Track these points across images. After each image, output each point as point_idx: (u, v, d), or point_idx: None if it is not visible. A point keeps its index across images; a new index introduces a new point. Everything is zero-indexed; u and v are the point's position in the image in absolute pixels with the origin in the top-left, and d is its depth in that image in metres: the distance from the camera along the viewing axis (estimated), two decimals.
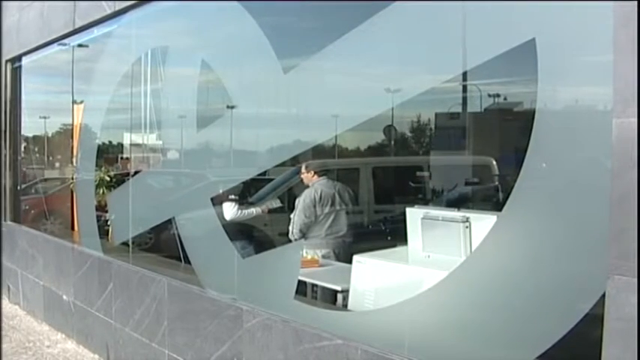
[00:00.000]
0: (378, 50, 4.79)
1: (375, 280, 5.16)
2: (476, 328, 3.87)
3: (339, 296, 5.85)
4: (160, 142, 7.75)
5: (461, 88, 8.72)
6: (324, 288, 6.11)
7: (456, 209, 5.06)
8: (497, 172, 8.91)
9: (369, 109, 4.98)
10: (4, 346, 8.08)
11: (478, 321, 3.85)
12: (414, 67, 4.69)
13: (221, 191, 6.88)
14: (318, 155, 7.56)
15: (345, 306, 5.51)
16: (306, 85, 5.26)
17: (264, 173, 7.76)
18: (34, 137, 12.12)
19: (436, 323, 4.14)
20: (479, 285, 3.89)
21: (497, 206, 6.97)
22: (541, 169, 3.50)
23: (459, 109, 9.50)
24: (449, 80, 4.87)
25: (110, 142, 9.73)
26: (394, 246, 5.89)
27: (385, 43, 4.68)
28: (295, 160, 7.66)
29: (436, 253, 4.88)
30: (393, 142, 10.81)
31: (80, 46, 9.07)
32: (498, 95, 9.27)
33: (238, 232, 7.08)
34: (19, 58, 10.52)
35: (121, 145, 9.46)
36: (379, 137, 10.90)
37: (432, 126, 10.62)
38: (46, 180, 12.39)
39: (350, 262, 5.52)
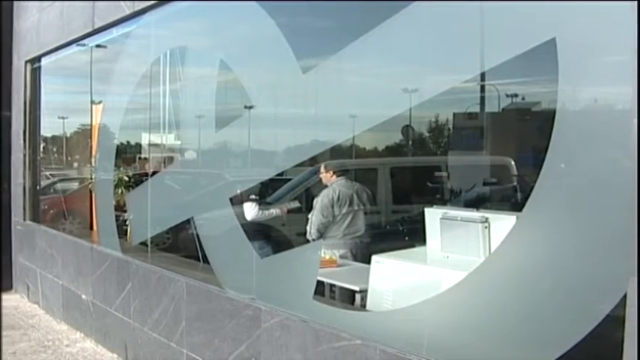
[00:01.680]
0: (397, 50, 4.77)
1: (394, 280, 5.15)
2: (495, 328, 3.85)
3: (357, 296, 5.85)
4: (179, 143, 7.76)
5: (479, 88, 8.70)
6: (341, 288, 6.11)
7: (475, 209, 5.04)
8: (515, 173, 8.88)
9: (388, 109, 4.97)
10: (23, 345, 8.15)
11: (497, 322, 3.83)
12: (433, 68, 4.66)
13: (239, 191, 6.89)
14: (336, 155, 7.57)
15: (363, 306, 5.50)
16: (324, 85, 5.26)
17: (281, 173, 7.76)
18: (53, 137, 12.17)
19: (455, 324, 4.12)
20: (498, 285, 3.87)
21: (516, 206, 6.96)
22: (562, 170, 3.48)
23: (477, 109, 9.48)
24: (467, 80, 4.86)
25: (129, 142, 9.77)
26: (412, 246, 5.88)
27: (404, 43, 4.66)
28: (313, 161, 7.67)
29: (455, 253, 4.87)
30: (410, 142, 10.79)
31: (98, 46, 9.10)
32: (516, 95, 9.25)
33: (256, 232, 7.09)
34: (38, 58, 10.56)
35: (139, 146, 9.50)
36: (397, 137, 10.89)
37: (450, 126, 10.61)
38: (64, 180, 12.45)
39: (368, 262, 5.52)
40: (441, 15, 4.28)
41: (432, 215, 5.13)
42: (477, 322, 3.97)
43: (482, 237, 4.64)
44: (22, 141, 10.87)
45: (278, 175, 7.59)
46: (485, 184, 8.75)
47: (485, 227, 4.65)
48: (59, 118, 11.81)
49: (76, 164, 12.79)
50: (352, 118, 5.20)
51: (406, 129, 10.45)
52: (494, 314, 3.86)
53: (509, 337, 3.77)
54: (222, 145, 6.71)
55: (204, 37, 6.87)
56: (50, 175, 12.15)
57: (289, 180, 9.43)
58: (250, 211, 7.61)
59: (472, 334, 3.98)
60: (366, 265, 6.00)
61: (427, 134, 11.36)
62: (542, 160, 3.49)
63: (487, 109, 9.42)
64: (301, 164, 7.51)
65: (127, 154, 9.64)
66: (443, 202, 8.98)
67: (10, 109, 11.25)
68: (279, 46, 5.33)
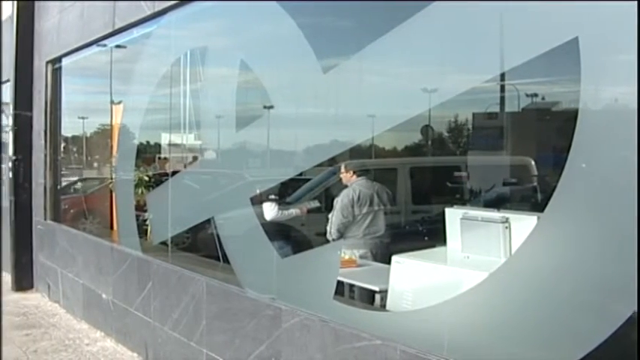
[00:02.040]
0: (417, 50, 4.77)
1: (414, 280, 5.14)
2: (517, 329, 3.83)
3: (377, 296, 5.84)
4: (199, 143, 7.78)
5: (498, 87, 8.67)
6: (361, 288, 6.11)
7: (496, 209, 5.03)
8: (535, 173, 8.85)
9: (408, 109, 4.96)
10: (44, 343, 8.19)
11: (519, 323, 3.81)
12: (453, 68, 4.66)
13: (258, 191, 6.89)
14: (356, 155, 7.55)
15: (383, 306, 5.50)
16: (345, 85, 5.26)
17: (301, 173, 7.77)
18: (73, 137, 12.23)
19: (476, 325, 4.11)
20: (520, 286, 3.85)
21: (536, 207, 6.92)
22: (584, 170, 3.46)
23: (497, 109, 9.44)
24: (487, 80, 4.84)
25: (149, 142, 9.80)
26: (432, 246, 5.87)
27: (424, 43, 4.66)
28: (332, 161, 7.67)
29: (475, 253, 4.87)
30: (430, 142, 10.77)
31: (118, 47, 9.13)
32: (536, 95, 9.21)
33: (276, 232, 7.08)
34: (59, 59, 10.61)
35: (159, 146, 9.53)
36: (416, 137, 10.86)
37: (470, 126, 10.57)
38: (84, 180, 12.52)
39: (387, 262, 5.51)
40: (461, 15, 4.26)
41: (453, 215, 5.13)
42: (498, 323, 3.95)
43: (503, 237, 4.64)
44: (42, 141, 10.92)
45: (297, 175, 7.59)
46: (505, 184, 8.72)
47: (506, 227, 4.65)
48: (79, 118, 11.87)
49: (95, 164, 12.86)
50: (372, 118, 5.20)
51: (425, 129, 10.43)
52: (516, 315, 3.84)
53: (531, 338, 3.75)
54: (243, 145, 6.72)
55: (225, 37, 6.88)
56: (71, 174, 12.21)
57: (309, 180, 9.43)
58: (270, 211, 7.62)
59: (493, 335, 3.96)
60: (385, 266, 6.01)
61: (446, 134, 11.32)
62: (563, 160, 3.47)
63: (507, 109, 9.38)
64: (321, 164, 7.52)
65: (146, 154, 9.67)
66: (462, 203, 8.96)
67: (31, 110, 11.32)
68: (300, 46, 5.33)
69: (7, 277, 11.79)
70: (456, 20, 4.33)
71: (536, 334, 3.71)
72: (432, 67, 4.91)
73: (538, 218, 4.04)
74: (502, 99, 9.16)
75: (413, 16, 4.46)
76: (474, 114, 10.09)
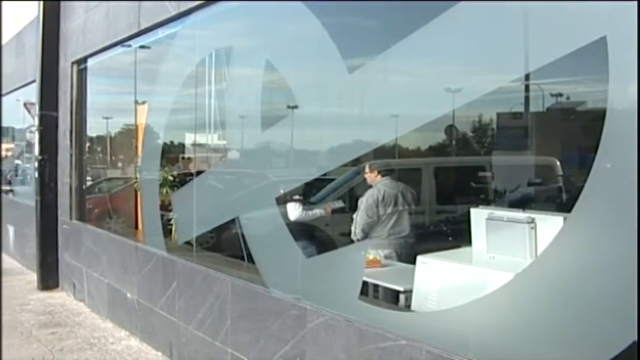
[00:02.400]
0: (443, 51, 4.75)
1: (439, 280, 5.13)
2: (543, 331, 3.81)
3: (402, 297, 5.83)
4: (224, 142, 7.80)
5: (523, 87, 8.62)
6: (386, 288, 6.10)
7: (521, 210, 5.01)
8: (560, 173, 8.79)
9: (435, 109, 4.96)
10: (69, 342, 8.25)
11: (545, 324, 3.78)
12: (479, 68, 4.64)
13: (282, 191, 6.89)
14: (379, 155, 7.54)
15: (407, 306, 5.49)
16: (371, 85, 5.25)
17: (325, 173, 7.77)
18: (97, 137, 12.29)
19: (502, 326, 4.09)
20: (547, 287, 3.82)
21: (561, 207, 6.89)
22: (612, 170, 3.43)
23: (521, 109, 9.39)
24: (513, 80, 4.83)
25: (174, 142, 9.83)
26: (456, 247, 5.85)
27: (450, 43, 4.64)
28: (357, 161, 7.66)
29: (501, 254, 4.85)
30: (454, 142, 10.73)
31: (142, 47, 9.17)
32: (561, 95, 9.15)
33: (300, 232, 7.08)
34: (84, 59, 10.67)
35: (184, 146, 9.56)
36: (440, 137, 10.83)
37: (494, 126, 10.52)
38: (109, 179, 12.57)
39: (412, 262, 5.50)
40: (487, 15, 4.25)
41: (478, 215, 5.11)
42: (524, 324, 3.93)
43: (529, 238, 4.61)
44: (68, 141, 10.98)
45: (322, 175, 7.59)
46: (529, 184, 8.67)
47: (532, 228, 4.62)
48: (103, 118, 11.93)
49: (119, 164, 12.92)
50: (398, 118, 5.19)
51: (449, 129, 10.39)
52: (542, 316, 3.81)
53: (557, 340, 3.72)
54: (267, 145, 6.72)
55: (250, 37, 6.89)
56: (96, 174, 12.26)
57: (333, 180, 9.42)
58: (294, 211, 7.62)
59: (519, 337, 3.94)
60: (410, 266, 6.00)
61: (470, 134, 11.27)
62: (588, 161, 3.45)
63: (531, 109, 9.32)
64: (345, 165, 7.51)
65: (171, 153, 9.70)
66: (487, 203, 8.92)
67: (56, 110, 11.39)
68: (325, 46, 5.33)
69: (33, 276, 11.89)
70: (482, 20, 4.32)
71: (562, 335, 3.69)
72: (458, 67, 4.88)
73: (564, 219, 4.01)
74: (527, 99, 9.11)
75: (438, 16, 4.44)
76: (498, 114, 10.03)
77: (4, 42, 15.92)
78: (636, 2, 3.03)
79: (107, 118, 11.97)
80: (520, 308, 3.98)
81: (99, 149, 12.44)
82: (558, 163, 8.83)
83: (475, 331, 4.16)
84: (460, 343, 4.10)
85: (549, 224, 4.41)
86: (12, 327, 8.94)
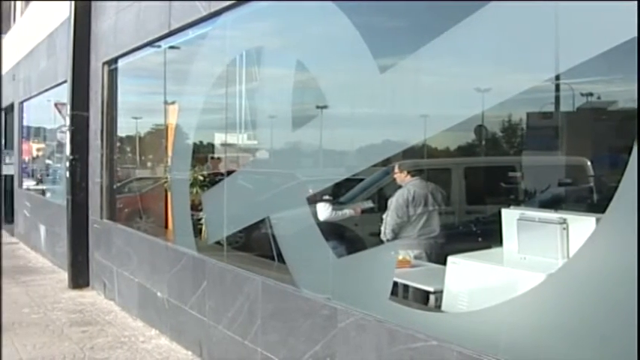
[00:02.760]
0: (474, 51, 4.74)
1: (470, 281, 5.11)
2: (575, 332, 3.78)
3: (432, 297, 5.82)
4: (254, 142, 7.81)
5: (553, 87, 8.57)
6: (416, 289, 6.09)
7: (553, 210, 4.98)
8: (591, 173, 8.73)
9: (465, 109, 4.94)
10: (100, 340, 8.32)
11: (578, 326, 3.75)
12: (510, 68, 4.62)
13: (311, 191, 6.89)
14: (409, 155, 7.53)
15: (438, 307, 5.48)
16: (403, 85, 5.24)
17: (355, 173, 7.76)
18: (127, 137, 12.36)
19: (534, 327, 4.06)
20: (580, 289, 3.79)
21: (592, 208, 6.84)
22: None
23: (551, 109, 9.34)
24: (545, 80, 4.80)
25: (205, 142, 9.86)
26: (486, 247, 5.84)
27: (481, 43, 4.63)
28: (387, 161, 7.65)
29: (532, 254, 4.83)
30: (483, 142, 10.69)
31: (172, 47, 9.21)
32: (591, 94, 9.08)
33: (330, 231, 7.09)
34: (115, 60, 10.73)
35: (214, 146, 9.59)
36: (469, 137, 10.79)
37: (524, 126, 10.47)
38: (139, 179, 12.64)
39: (442, 263, 5.49)
40: (518, 15, 4.23)
41: (509, 216, 5.09)
42: (556, 326, 3.89)
43: (561, 238, 4.59)
44: (99, 141, 11.05)
45: (352, 175, 7.59)
46: (560, 184, 8.62)
47: (564, 229, 4.60)
48: (133, 118, 12.00)
49: (149, 164, 12.98)
50: (429, 118, 5.18)
51: (479, 129, 10.35)
52: (575, 318, 3.78)
53: (590, 342, 3.69)
54: (298, 145, 6.73)
55: (280, 37, 6.89)
56: (125, 173, 12.34)
57: (362, 180, 9.42)
58: (324, 211, 7.62)
59: (551, 338, 3.91)
60: (440, 266, 5.99)
61: (500, 134, 11.22)
62: (620, 161, 3.42)
63: (562, 109, 9.27)
64: (376, 165, 7.50)
65: (203, 153, 9.74)
66: (517, 203, 8.87)
67: (88, 110, 11.46)
68: (357, 46, 5.32)
69: (64, 275, 11.99)
70: (513, 20, 4.30)
71: (594, 338, 3.66)
72: (489, 67, 4.87)
73: (597, 220, 3.99)
74: (557, 98, 9.06)
75: (469, 16, 4.43)
76: (528, 114, 9.98)
77: (36, 43, 16.09)
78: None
79: (136, 118, 12.04)
80: (552, 310, 3.95)
81: (128, 149, 12.51)
82: (589, 163, 8.77)
83: (506, 332, 4.14)
84: (491, 345, 4.08)
85: (581, 225, 4.38)
86: (44, 325, 9.03)
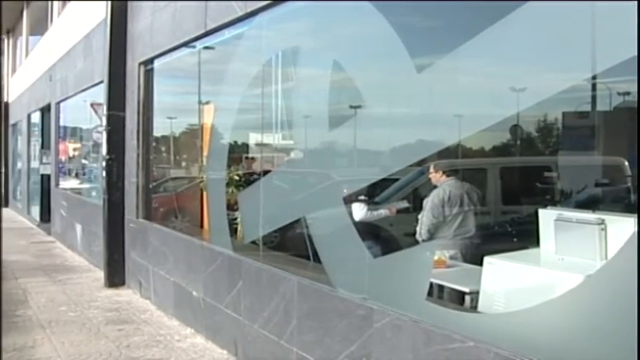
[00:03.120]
0: (511, 50, 4.72)
1: (507, 282, 5.10)
2: (615, 335, 3.75)
3: (467, 298, 5.81)
4: (290, 142, 7.82)
5: (589, 86, 8.51)
6: (451, 289, 6.08)
7: (590, 211, 4.95)
8: (629, 173, 8.65)
9: (503, 109, 4.93)
10: (136, 339, 8.38)
11: (618, 328, 3.72)
12: (547, 68, 4.60)
13: (345, 191, 6.89)
14: (443, 155, 7.51)
15: (473, 308, 5.46)
16: (440, 84, 5.22)
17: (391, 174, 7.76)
18: (162, 137, 12.43)
19: (573, 329, 4.04)
20: (620, 290, 3.75)
21: (630, 208, 6.78)
22: None
23: (588, 108, 9.26)
24: (584, 80, 4.77)
25: (241, 142, 9.88)
26: (522, 247, 5.82)
27: (518, 43, 4.61)
28: (422, 160, 7.63)
29: (570, 255, 4.81)
30: (519, 142, 10.63)
31: (206, 48, 9.25)
32: (628, 93, 8.99)
33: (366, 232, 7.09)
34: (151, 60, 10.79)
35: (252, 145, 9.61)
36: (504, 137, 10.74)
37: (559, 125, 10.40)
38: (174, 179, 12.71)
39: (477, 263, 5.47)
40: (554, 15, 4.21)
41: (546, 216, 5.08)
42: (595, 328, 3.87)
43: (599, 239, 4.57)
44: (135, 141, 11.12)
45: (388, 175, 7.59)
46: (597, 185, 8.55)
47: (602, 229, 4.57)
48: (168, 118, 12.06)
49: (183, 163, 13.06)
50: (467, 118, 5.17)
51: (514, 128, 10.29)
52: (614, 320, 3.75)
53: (629, 344, 3.65)
54: (334, 145, 6.73)
55: (317, 37, 6.89)
56: (161, 173, 12.41)
57: (397, 180, 9.40)
58: (359, 211, 7.62)
59: (590, 340, 3.88)
60: (475, 267, 5.97)
61: (535, 134, 11.15)
62: None
63: (598, 108, 9.19)
64: (412, 165, 7.49)
65: (239, 153, 9.77)
66: (553, 203, 8.82)
67: (124, 110, 11.54)
68: (393, 45, 5.31)
69: (100, 274, 12.09)
70: (549, 20, 4.28)
71: (634, 340, 3.62)
72: (526, 67, 4.85)
73: (638, 220, 3.95)
74: (593, 98, 8.99)
75: (506, 16, 4.41)
76: (563, 113, 9.91)
77: (73, 43, 16.24)
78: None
79: (171, 118, 12.10)
80: (591, 312, 3.92)
81: (163, 149, 12.58)
82: (626, 163, 8.68)
83: (544, 334, 4.11)
84: (529, 346, 4.05)
85: (620, 226, 4.36)
86: (80, 323, 9.11)
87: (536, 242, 5.15)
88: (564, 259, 4.83)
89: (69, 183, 19.22)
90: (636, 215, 4.25)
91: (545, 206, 5.32)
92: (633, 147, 8.36)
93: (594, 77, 7.33)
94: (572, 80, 4.71)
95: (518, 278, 5.04)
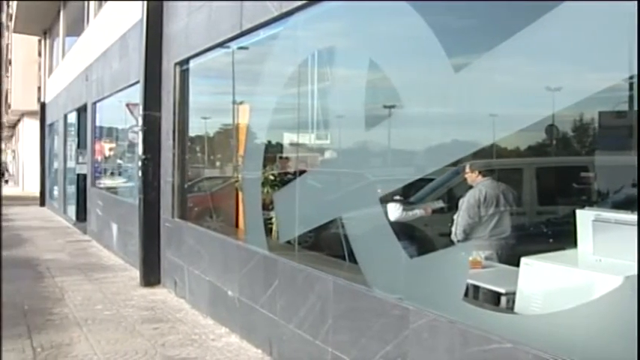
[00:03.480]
0: (549, 50, 4.69)
1: (544, 283, 5.06)
2: None
3: (503, 299, 5.78)
4: (327, 142, 7.82)
5: (627, 86, 8.42)
6: (487, 290, 6.05)
7: (629, 211, 4.91)
8: None
9: (542, 109, 4.89)
10: (171, 337, 8.43)
11: None
12: (585, 67, 4.57)
13: (379, 191, 6.88)
14: (479, 155, 7.48)
15: (509, 309, 5.43)
16: (478, 84, 5.19)
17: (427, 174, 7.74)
18: (196, 137, 12.48)
19: (612, 332, 4.00)
20: None
21: None
22: None
23: (625, 107, 9.16)
24: (625, 79, 4.73)
25: (275, 142, 9.89)
26: (559, 248, 5.78)
27: (556, 42, 4.58)
28: (458, 161, 7.60)
29: (608, 256, 4.76)
30: (554, 142, 10.55)
31: (241, 48, 9.28)
32: None
33: (400, 232, 7.08)
34: (186, 60, 10.85)
35: (287, 145, 9.62)
36: (540, 137, 10.66)
37: (596, 125, 10.31)
38: (209, 178, 12.76)
39: (513, 264, 5.44)
40: (592, 15, 4.18)
41: (584, 217, 5.04)
42: (635, 331, 3.83)
43: (638, 240, 4.51)
44: (171, 141, 11.19)
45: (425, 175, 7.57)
46: (634, 185, 8.46)
47: None
48: (202, 118, 12.11)
49: (218, 163, 13.10)
50: (504, 118, 5.15)
51: (550, 128, 10.22)
52: None
53: None
54: (370, 145, 6.72)
55: (352, 37, 6.87)
56: (195, 173, 12.47)
57: (432, 180, 9.37)
58: (394, 211, 7.61)
59: (631, 343, 3.84)
60: (511, 267, 5.93)
61: (571, 133, 11.06)
62: None
63: (635, 108, 9.09)
64: (450, 165, 7.46)
65: (274, 153, 9.78)
66: (589, 204, 8.74)
67: (159, 110, 11.62)
68: (431, 45, 5.30)
69: (136, 273, 12.18)
70: (588, 20, 4.25)
71: None
72: (564, 66, 4.81)
73: None
74: (630, 97, 8.89)
75: (543, 15, 4.39)
76: (600, 113, 9.83)
77: (109, 44, 16.36)
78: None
79: (205, 118, 12.15)
80: (631, 313, 3.88)
81: (197, 149, 12.63)
82: None
83: (583, 336, 4.09)
84: (567, 349, 4.03)
85: None
86: (116, 322, 9.19)
87: (572, 243, 5.12)
88: (602, 260, 4.79)
89: (107, 182, 19.37)
90: None
91: (581, 207, 5.27)
92: None
93: (631, 77, 7.26)
94: (611, 80, 4.65)
95: (555, 279, 5.01)
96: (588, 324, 4.08)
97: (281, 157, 9.83)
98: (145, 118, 11.67)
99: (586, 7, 4.20)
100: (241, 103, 10.14)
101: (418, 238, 8.59)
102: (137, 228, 12.02)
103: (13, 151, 66.42)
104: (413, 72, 5.99)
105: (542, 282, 5.09)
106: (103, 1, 18.75)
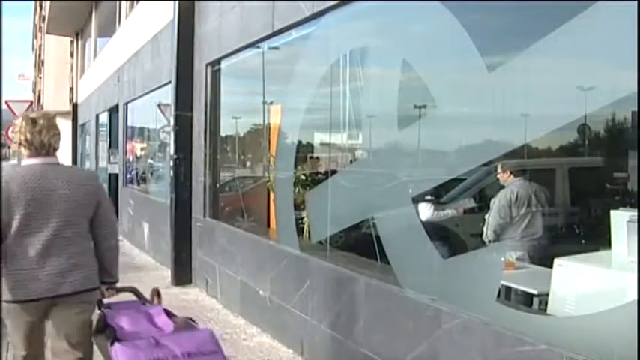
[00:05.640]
0: (583, 50, 4.66)
1: (578, 284, 5.04)
2: None
3: (536, 300, 5.76)
4: (359, 142, 7.82)
5: None
6: (519, 291, 6.03)
7: None
8: None
9: (577, 109, 4.87)
10: None
11: None
12: (620, 67, 4.53)
13: (411, 191, 6.87)
14: (510, 155, 7.46)
15: (542, 310, 5.41)
16: (511, 84, 5.18)
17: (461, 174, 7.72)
18: (228, 137, 12.52)
19: None
20: None
21: None
22: None
23: None
24: None
25: (306, 142, 9.91)
26: (591, 249, 5.75)
27: (590, 42, 4.55)
28: (490, 161, 7.57)
29: None
30: (587, 142, 10.47)
31: (271, 48, 9.30)
32: None
33: (432, 232, 7.08)
34: (218, 61, 10.89)
35: (318, 145, 9.63)
36: (572, 137, 10.59)
37: (629, 125, 10.21)
38: (241, 178, 12.79)
39: (545, 265, 5.41)
40: (626, 14, 4.15)
41: (619, 218, 5.00)
42: None
43: None
44: (202, 141, 11.24)
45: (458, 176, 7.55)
46: None
47: None
48: (233, 118, 12.15)
49: (249, 163, 13.14)
50: (538, 118, 5.12)
51: (582, 128, 10.14)
52: None
53: None
54: (402, 146, 6.71)
55: (385, 37, 6.86)
56: (227, 173, 12.50)
57: (464, 180, 9.35)
58: (426, 211, 7.61)
59: None
60: (544, 268, 5.90)
61: (604, 133, 10.97)
62: None
63: None
64: (483, 165, 7.44)
65: (306, 153, 9.80)
66: (622, 205, 8.67)
67: (191, 110, 11.68)
68: (464, 45, 5.28)
69: (167, 272, 12.23)
70: (621, 19, 4.23)
71: None
72: (598, 66, 4.79)
73: None
74: None
75: (577, 15, 4.38)
76: (633, 112, 9.74)
77: (141, 45, 16.46)
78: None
79: (236, 118, 12.19)
80: None
81: (228, 148, 12.67)
82: None
83: (618, 338, 4.05)
84: (601, 351, 4.00)
85: None
86: None
87: (606, 244, 5.08)
88: (637, 261, 4.74)
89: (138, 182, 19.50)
90: None
91: (615, 207, 5.23)
92: None
93: None
94: None
95: (589, 280, 4.99)
96: (623, 326, 4.05)
97: (311, 157, 9.85)
98: (176, 118, 11.73)
99: (619, 7, 4.16)
100: (272, 103, 10.17)
101: (450, 239, 8.57)
102: (169, 227, 12.07)
103: None
104: (446, 72, 5.97)
105: (575, 283, 5.07)
106: (135, 2, 18.86)
